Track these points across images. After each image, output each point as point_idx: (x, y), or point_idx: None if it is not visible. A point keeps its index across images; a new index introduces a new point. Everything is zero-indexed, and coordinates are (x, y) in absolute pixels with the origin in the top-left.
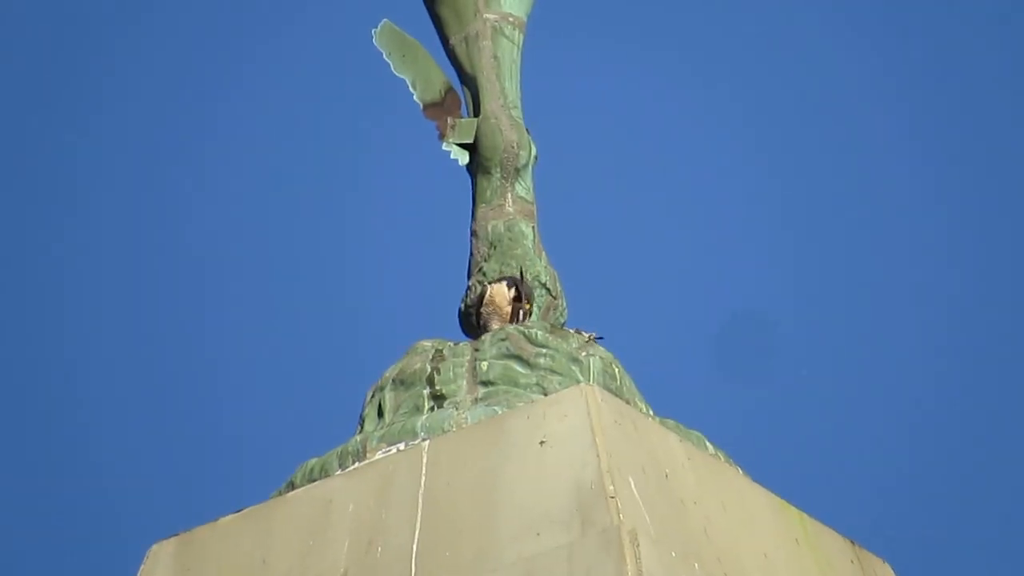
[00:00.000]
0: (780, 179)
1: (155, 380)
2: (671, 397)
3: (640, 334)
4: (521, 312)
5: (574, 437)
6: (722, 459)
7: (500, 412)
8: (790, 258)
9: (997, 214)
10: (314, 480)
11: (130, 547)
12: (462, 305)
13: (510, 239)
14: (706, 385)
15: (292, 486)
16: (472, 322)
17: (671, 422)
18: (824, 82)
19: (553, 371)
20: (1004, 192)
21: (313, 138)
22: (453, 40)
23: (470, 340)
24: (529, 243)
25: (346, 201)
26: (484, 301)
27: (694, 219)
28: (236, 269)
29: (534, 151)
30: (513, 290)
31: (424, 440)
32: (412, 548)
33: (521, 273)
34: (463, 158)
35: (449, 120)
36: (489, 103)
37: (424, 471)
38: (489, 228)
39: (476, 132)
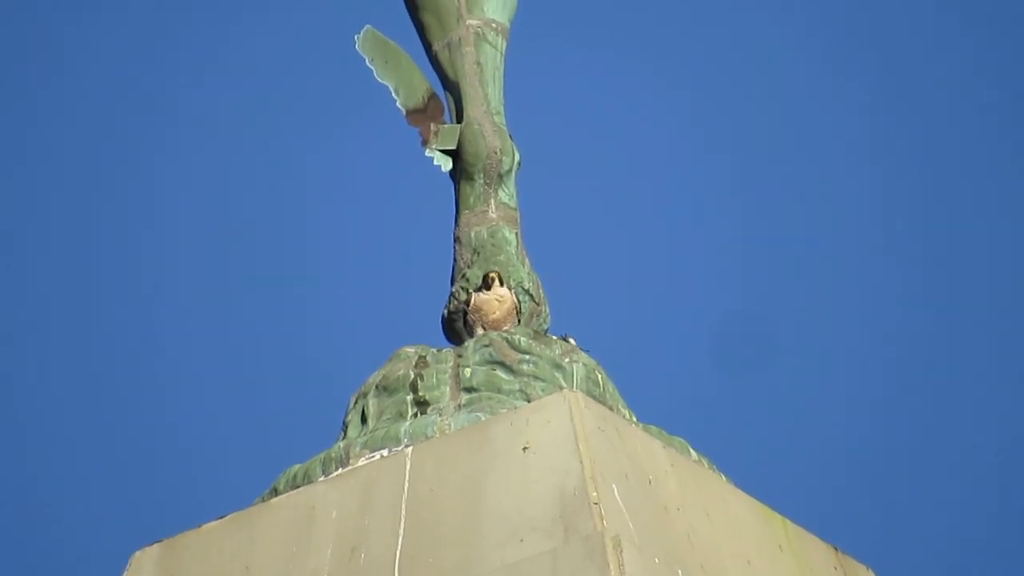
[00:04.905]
0: (776, 179)
1: (104, 387)
2: (669, 397)
3: (638, 335)
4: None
5: (557, 443)
6: (706, 465)
7: (483, 418)
8: (785, 258)
9: (974, 215)
10: (298, 486)
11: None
12: (445, 311)
13: (493, 245)
14: (703, 384)
15: (276, 492)
16: (456, 327)
17: (654, 428)
18: (822, 85)
19: (536, 377)
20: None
21: (280, 137)
22: (436, 46)
23: (453, 346)
24: (512, 249)
25: (308, 206)
26: (470, 308)
27: (691, 220)
28: (215, 272)
29: (517, 157)
30: (496, 284)
31: (407, 446)
32: (395, 554)
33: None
34: (446, 164)
35: (432, 126)
36: (472, 109)
37: (408, 477)
38: (472, 234)
39: (459, 138)
